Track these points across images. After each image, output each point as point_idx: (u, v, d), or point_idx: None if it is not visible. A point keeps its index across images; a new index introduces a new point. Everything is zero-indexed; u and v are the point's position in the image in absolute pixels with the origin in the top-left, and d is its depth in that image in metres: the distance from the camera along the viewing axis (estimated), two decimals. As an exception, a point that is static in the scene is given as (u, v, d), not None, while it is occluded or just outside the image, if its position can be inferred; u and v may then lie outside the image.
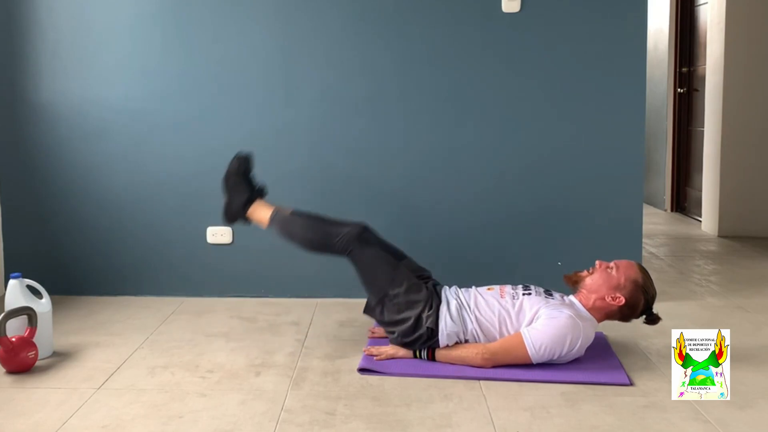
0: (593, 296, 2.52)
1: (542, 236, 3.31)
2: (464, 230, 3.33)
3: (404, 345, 2.53)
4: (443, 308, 2.50)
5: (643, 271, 2.55)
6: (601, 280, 2.52)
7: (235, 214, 2.79)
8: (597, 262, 2.59)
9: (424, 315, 2.49)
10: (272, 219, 2.72)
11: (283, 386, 2.34)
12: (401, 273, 2.57)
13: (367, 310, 2.62)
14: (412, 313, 2.50)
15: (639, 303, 2.51)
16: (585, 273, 2.59)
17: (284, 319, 3.07)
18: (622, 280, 2.50)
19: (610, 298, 2.49)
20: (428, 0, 3.22)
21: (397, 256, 2.70)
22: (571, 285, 2.61)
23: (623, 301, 2.48)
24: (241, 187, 2.76)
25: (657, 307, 2.59)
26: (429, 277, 2.71)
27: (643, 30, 3.24)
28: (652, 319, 2.56)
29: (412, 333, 2.49)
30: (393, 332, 2.53)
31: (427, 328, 2.47)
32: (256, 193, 2.80)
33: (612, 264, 2.56)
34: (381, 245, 2.69)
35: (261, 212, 2.75)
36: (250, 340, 2.80)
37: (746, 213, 4.82)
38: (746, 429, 2.03)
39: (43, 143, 3.36)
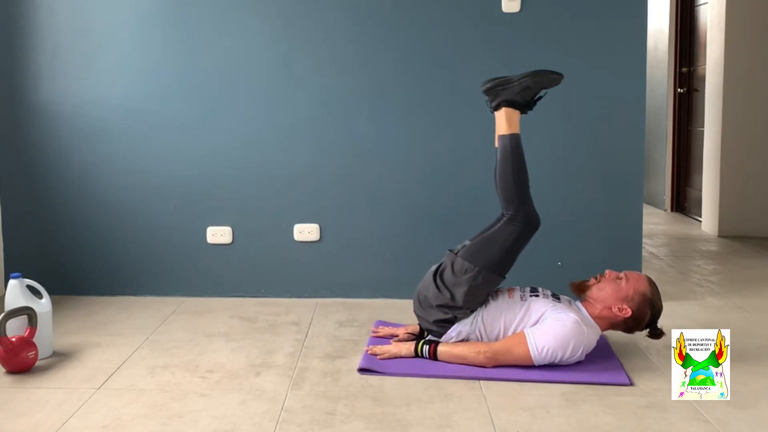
0: (600, 305, 2.50)
1: (542, 236, 3.29)
2: (464, 229, 3.31)
3: (425, 305, 2.53)
4: (471, 317, 2.51)
5: (653, 286, 2.53)
6: (609, 290, 2.50)
7: (497, 94, 2.59)
8: (606, 272, 2.57)
9: (463, 311, 2.49)
10: (514, 135, 2.57)
11: (283, 386, 2.34)
12: (496, 281, 2.52)
13: (452, 251, 2.57)
14: (461, 300, 2.47)
15: (645, 317, 2.50)
16: (592, 281, 2.56)
17: (284, 319, 3.07)
18: (631, 292, 2.48)
19: (617, 309, 2.48)
20: (428, 0, 3.22)
21: (509, 267, 2.59)
22: (577, 293, 2.58)
23: (630, 313, 2.47)
24: (529, 93, 2.58)
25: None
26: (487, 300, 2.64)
27: (643, 30, 3.24)
28: (656, 334, 2.53)
29: (445, 307, 2.49)
30: (439, 289, 2.50)
31: (454, 316, 2.49)
32: (528, 107, 2.63)
33: (622, 275, 2.53)
34: (521, 246, 2.56)
35: (513, 121, 2.58)
36: (250, 340, 2.80)
37: (746, 213, 4.82)
38: (746, 429, 2.03)
39: (43, 143, 3.36)
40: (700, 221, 5.22)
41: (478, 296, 2.50)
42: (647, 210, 5.78)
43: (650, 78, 5.34)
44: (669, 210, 5.97)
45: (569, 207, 3.29)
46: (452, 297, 2.49)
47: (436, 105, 3.27)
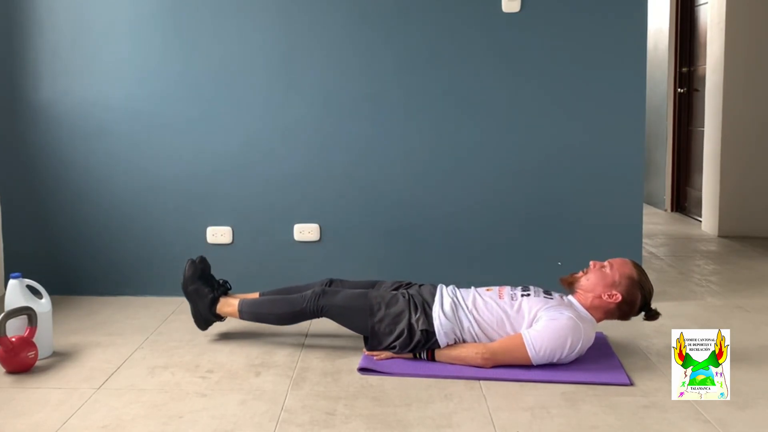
0: (590, 295, 2.52)
1: (542, 236, 3.31)
2: (464, 230, 3.33)
3: (409, 352, 2.54)
4: (436, 307, 2.52)
5: (638, 268, 2.56)
6: (596, 279, 2.52)
7: (206, 319, 2.77)
8: (591, 263, 2.60)
9: (413, 320, 2.50)
10: (240, 311, 2.71)
11: (283, 386, 2.34)
12: (374, 298, 2.58)
13: (368, 346, 2.60)
14: (402, 325, 2.51)
15: (636, 299, 2.51)
16: (580, 274, 2.60)
17: (284, 319, 3.07)
18: (617, 277, 2.50)
19: (606, 296, 2.49)
20: (428, 0, 3.22)
21: (367, 286, 2.74)
22: (567, 286, 2.61)
23: (620, 298, 2.49)
24: (202, 290, 2.74)
25: (657, 307, 2.59)
26: (409, 284, 2.74)
27: (643, 30, 3.24)
28: (651, 315, 2.55)
29: (410, 341, 2.50)
30: (395, 347, 2.53)
31: (422, 330, 2.48)
32: (219, 292, 2.77)
33: (606, 263, 2.57)
34: (348, 288, 2.70)
35: (229, 308, 2.73)
36: (250, 340, 2.80)
37: (746, 213, 4.82)
38: (746, 429, 2.03)
39: (44, 143, 3.36)
40: (700, 221, 5.22)
41: (395, 309, 2.53)
42: (647, 210, 5.78)
43: (650, 78, 5.33)
44: (669, 210, 5.97)
45: (569, 207, 3.29)
46: (401, 335, 2.50)
47: (435, 105, 3.27)
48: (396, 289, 2.70)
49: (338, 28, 3.26)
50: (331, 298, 2.61)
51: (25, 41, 3.32)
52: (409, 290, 2.65)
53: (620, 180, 3.27)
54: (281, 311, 2.67)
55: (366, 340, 2.62)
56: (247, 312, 2.71)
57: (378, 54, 3.26)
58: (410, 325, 2.50)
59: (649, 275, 2.61)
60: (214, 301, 2.74)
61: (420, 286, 2.70)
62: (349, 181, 3.32)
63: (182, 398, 2.25)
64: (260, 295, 2.81)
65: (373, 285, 2.77)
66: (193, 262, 2.78)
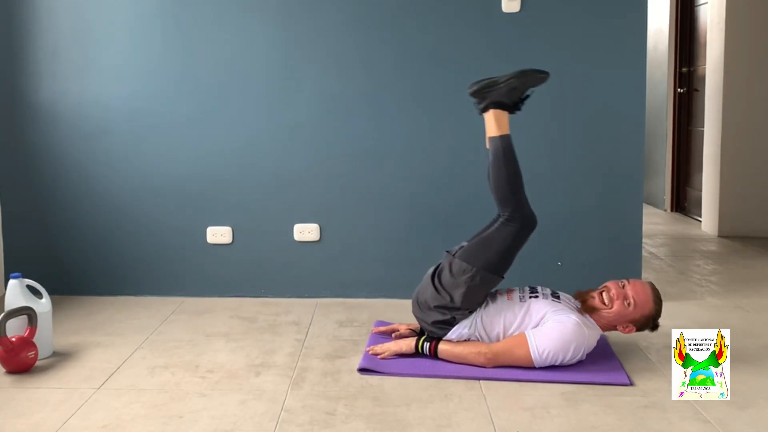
0: (605, 321, 2.51)
1: (542, 236, 3.30)
2: (464, 229, 3.31)
3: (423, 306, 2.52)
4: (471, 317, 2.51)
5: (657, 302, 2.52)
6: (617, 313, 2.48)
7: (484, 96, 2.57)
8: (613, 290, 2.50)
9: (461, 312, 2.49)
10: (504, 137, 2.55)
11: (283, 386, 2.34)
12: (494, 281, 2.52)
13: (450, 252, 2.56)
14: (458, 301, 2.47)
15: (645, 327, 2.54)
16: (598, 301, 2.50)
17: (284, 319, 3.07)
18: (638, 316, 2.49)
19: (621, 328, 2.51)
20: (428, 0, 3.22)
21: (507, 268, 2.57)
22: (584, 309, 2.53)
23: (634, 330, 2.52)
24: (516, 93, 2.56)
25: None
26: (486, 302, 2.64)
27: (643, 30, 3.24)
28: (652, 328, 2.56)
29: (444, 308, 2.49)
30: (437, 291, 2.50)
31: (453, 317, 2.49)
32: (516, 108, 2.61)
33: (630, 299, 2.48)
34: (519, 247, 2.56)
35: (502, 123, 2.56)
36: (250, 340, 2.80)
37: (746, 213, 4.82)
38: (746, 429, 2.03)
39: (43, 143, 3.36)
40: (700, 221, 5.22)
41: (477, 297, 2.50)
42: (647, 210, 5.78)
43: (650, 78, 5.34)
44: (669, 210, 5.97)
45: (569, 207, 3.29)
46: (451, 298, 2.49)
47: (436, 105, 3.27)
48: (488, 294, 2.58)
49: (338, 28, 3.26)
50: (517, 234, 2.48)
51: (25, 41, 3.32)
52: (483, 303, 2.56)
53: (620, 180, 3.28)
54: (512, 184, 2.53)
55: (457, 252, 2.54)
56: (502, 146, 2.55)
57: (378, 54, 3.26)
58: (458, 308, 2.47)
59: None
60: (503, 107, 2.55)
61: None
62: (349, 181, 3.32)
63: (182, 398, 2.25)
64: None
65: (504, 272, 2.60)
66: (545, 77, 2.58)
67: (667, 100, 5.92)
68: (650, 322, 2.51)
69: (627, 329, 2.51)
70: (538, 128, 3.27)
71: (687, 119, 5.78)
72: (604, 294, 2.52)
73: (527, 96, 2.62)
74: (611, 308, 2.49)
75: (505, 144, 2.55)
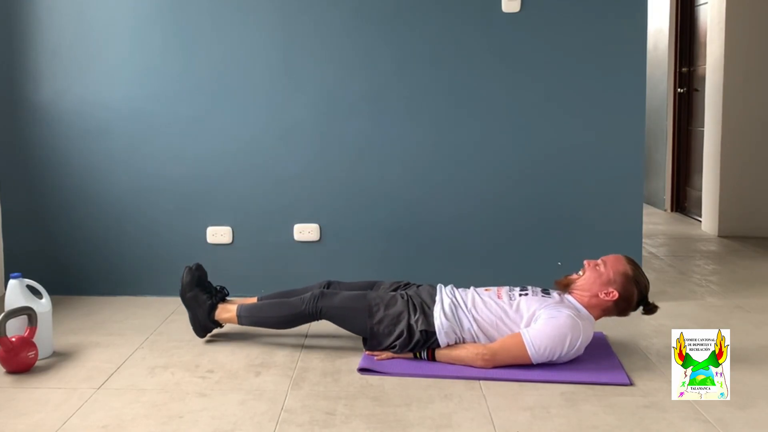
0: (587, 294, 2.52)
1: (542, 236, 3.31)
2: (464, 230, 3.33)
3: (410, 352, 2.54)
4: (437, 308, 2.52)
5: (632, 263, 2.56)
6: (591, 278, 2.52)
7: (205, 326, 2.75)
8: (585, 262, 2.60)
9: (412, 321, 2.51)
10: (239, 316, 2.71)
11: (283, 386, 2.34)
12: (373, 299, 2.59)
13: (366, 346, 2.60)
14: (402, 326, 2.51)
15: (632, 294, 2.52)
16: (575, 276, 2.59)
17: (284, 319, 3.07)
18: (612, 274, 2.51)
19: (603, 294, 2.50)
20: (428, 0, 3.22)
21: (365, 287, 2.73)
22: (562, 288, 2.60)
23: (617, 295, 2.49)
24: (200, 298, 2.73)
25: (656, 303, 2.59)
26: (407, 284, 2.74)
27: (643, 30, 3.24)
28: (650, 309, 2.56)
29: (410, 341, 2.51)
30: (395, 347, 2.53)
31: (421, 331, 2.49)
32: (217, 299, 2.76)
33: (600, 261, 2.57)
34: (346, 290, 2.71)
35: (228, 311, 2.73)
36: (250, 340, 2.80)
37: (746, 213, 4.82)
38: (746, 429, 2.03)
39: (43, 143, 3.36)
40: (700, 221, 5.22)
41: (393, 311, 2.53)
42: (647, 210, 5.78)
43: (650, 78, 5.34)
44: (669, 210, 5.97)
45: (569, 207, 3.29)
46: (400, 336, 2.50)
47: (435, 105, 3.27)
48: (395, 290, 2.70)
49: (338, 28, 3.26)
50: (329, 300, 2.61)
51: (25, 41, 3.32)
52: (407, 291, 2.65)
53: (620, 180, 3.28)
54: (280, 314, 2.67)
55: (365, 341, 2.62)
56: (245, 317, 2.71)
57: (378, 54, 3.26)
58: (410, 326, 2.50)
59: (649, 275, 2.61)
60: (213, 308, 2.73)
61: (418, 286, 2.70)
62: (349, 181, 3.32)
63: (182, 398, 2.25)
64: (258, 299, 2.81)
65: (371, 286, 2.77)
66: (190, 269, 2.77)
67: (667, 100, 5.92)
68: (632, 284, 2.50)
69: (610, 294, 2.48)
70: (537, 128, 3.27)
71: (687, 119, 5.78)
72: (581, 271, 2.59)
73: (208, 284, 2.80)
74: (583, 275, 2.55)
75: (246, 317, 2.70)
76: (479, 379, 2.37)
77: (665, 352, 2.58)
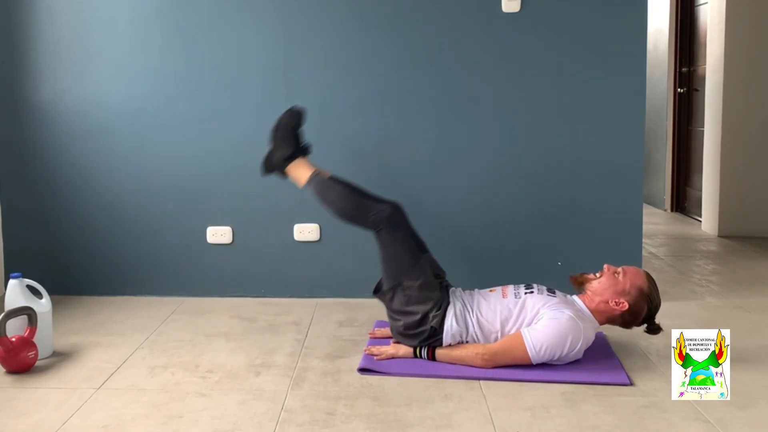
0: (597, 298, 2.51)
1: (542, 236, 3.31)
2: (464, 230, 3.33)
3: (405, 336, 2.54)
4: (450, 310, 2.51)
5: (650, 281, 2.54)
6: (607, 284, 2.51)
7: (274, 166, 2.76)
8: (605, 266, 2.57)
9: (431, 314, 2.49)
10: (310, 180, 2.69)
11: (283, 386, 2.34)
12: (420, 267, 2.56)
13: (378, 292, 2.61)
14: (420, 309, 2.50)
15: (642, 311, 2.50)
16: (592, 276, 2.57)
17: (284, 319, 3.07)
18: (628, 286, 2.49)
19: (613, 303, 2.48)
20: (428, 0, 3.22)
21: (421, 247, 2.69)
22: (576, 285, 2.59)
23: (627, 306, 2.47)
24: (288, 141, 2.72)
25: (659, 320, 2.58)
26: (443, 278, 2.70)
27: (643, 30, 3.24)
28: (654, 329, 2.54)
29: (416, 327, 2.50)
30: (398, 321, 2.53)
31: (431, 327, 2.48)
32: (301, 151, 2.75)
33: (620, 269, 2.54)
34: (409, 231, 2.66)
35: (301, 171, 2.72)
36: (250, 340, 2.80)
37: (746, 213, 4.82)
38: (746, 429, 2.03)
39: (44, 143, 3.36)
40: (700, 221, 5.22)
41: (425, 292, 2.52)
42: (647, 210, 5.78)
43: (650, 78, 5.34)
44: (669, 210, 5.97)
45: (569, 207, 3.29)
46: (408, 316, 2.51)
47: (435, 105, 3.27)
48: (436, 276, 2.63)
49: (338, 27, 3.26)
50: (393, 230, 2.58)
51: (25, 41, 3.32)
52: (443, 285, 2.61)
53: (620, 180, 3.27)
54: (346, 207, 2.64)
55: (377, 290, 2.61)
56: (314, 188, 2.68)
57: (378, 54, 3.26)
58: (426, 315, 2.49)
59: (649, 274, 2.61)
60: (291, 158, 2.72)
61: (447, 286, 2.65)
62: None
63: (182, 398, 2.25)
64: (331, 177, 2.73)
65: (424, 250, 2.70)
66: (294, 112, 2.76)
67: (667, 100, 5.92)
68: (644, 300, 2.48)
69: (620, 305, 2.47)
70: (537, 128, 3.27)
71: (687, 119, 5.78)
72: (598, 274, 2.57)
73: (300, 134, 2.79)
74: (600, 278, 2.53)
75: (314, 186, 2.70)
76: (479, 379, 2.37)
77: (665, 352, 2.57)
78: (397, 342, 2.64)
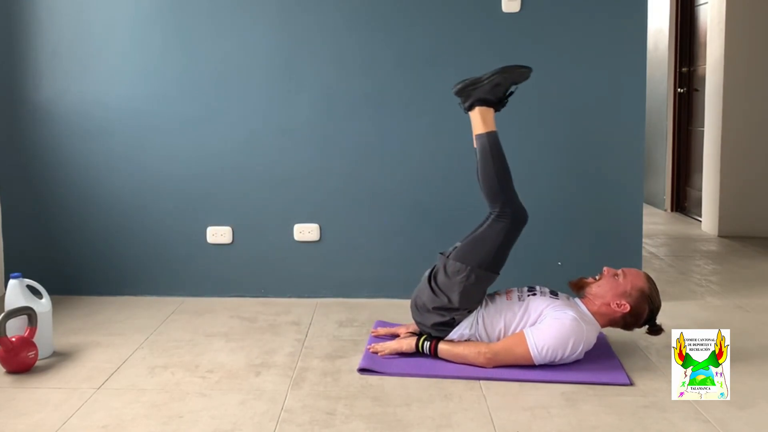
0: (598, 301, 2.51)
1: (542, 236, 3.31)
2: (464, 230, 3.32)
3: (425, 311, 2.52)
4: (471, 317, 2.51)
5: (650, 282, 2.54)
6: (607, 287, 2.51)
7: (469, 95, 2.60)
8: (604, 269, 2.57)
9: (461, 312, 2.49)
10: (490, 133, 2.57)
11: (283, 386, 2.34)
12: (491, 278, 2.52)
13: (444, 254, 2.57)
14: (457, 301, 2.46)
15: (643, 312, 2.51)
16: (591, 279, 2.57)
17: (284, 319, 3.07)
18: (629, 287, 2.49)
19: (615, 305, 2.48)
20: (428, 0, 3.22)
21: (502, 264, 2.59)
22: (576, 290, 2.59)
23: (628, 308, 2.48)
24: (500, 89, 2.60)
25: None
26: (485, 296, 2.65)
27: (643, 30, 3.24)
28: (655, 330, 2.54)
29: (442, 309, 2.48)
30: (440, 297, 2.49)
31: (452, 318, 2.48)
32: (501, 104, 2.65)
33: (620, 271, 2.54)
34: (512, 243, 2.58)
35: (487, 120, 2.58)
36: (250, 340, 2.80)
37: (746, 213, 4.82)
38: (746, 429, 2.03)
39: (43, 143, 3.36)
40: (700, 221, 5.22)
41: (474, 296, 2.50)
42: (647, 210, 5.78)
43: (650, 78, 5.34)
44: (669, 210, 5.97)
45: (569, 207, 3.29)
46: (448, 299, 2.49)
47: (435, 105, 3.27)
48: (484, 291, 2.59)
49: (339, 28, 3.26)
50: (509, 229, 2.50)
51: (25, 41, 3.32)
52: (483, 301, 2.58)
53: (620, 180, 3.28)
54: (503, 177, 2.54)
55: (450, 254, 2.56)
56: (488, 143, 2.56)
57: (378, 54, 3.26)
58: (456, 309, 2.47)
59: (648, 273, 2.61)
60: (488, 104, 2.59)
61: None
62: (349, 181, 3.32)
63: (182, 398, 2.25)
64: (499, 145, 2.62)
65: (501, 267, 2.61)
66: (527, 71, 2.64)
67: (667, 100, 5.93)
68: (645, 301, 2.48)
69: (621, 307, 2.47)
70: (537, 128, 3.27)
71: (687, 119, 5.78)
72: (598, 276, 2.57)
73: (512, 92, 2.66)
74: (600, 280, 2.53)
75: (492, 141, 2.57)
76: (479, 379, 2.37)
77: (665, 352, 2.57)
78: (400, 338, 2.63)
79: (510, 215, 2.52)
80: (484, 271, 2.49)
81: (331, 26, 3.26)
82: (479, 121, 2.60)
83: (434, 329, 2.52)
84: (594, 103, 3.24)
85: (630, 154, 3.27)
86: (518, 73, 2.62)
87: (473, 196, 3.28)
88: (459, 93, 2.64)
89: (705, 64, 5.15)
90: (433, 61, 3.25)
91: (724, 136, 4.81)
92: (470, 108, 2.63)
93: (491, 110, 2.61)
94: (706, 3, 5.19)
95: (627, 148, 3.26)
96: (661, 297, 2.56)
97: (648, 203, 6.12)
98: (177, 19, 3.29)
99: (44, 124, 3.35)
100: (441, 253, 2.61)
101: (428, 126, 3.28)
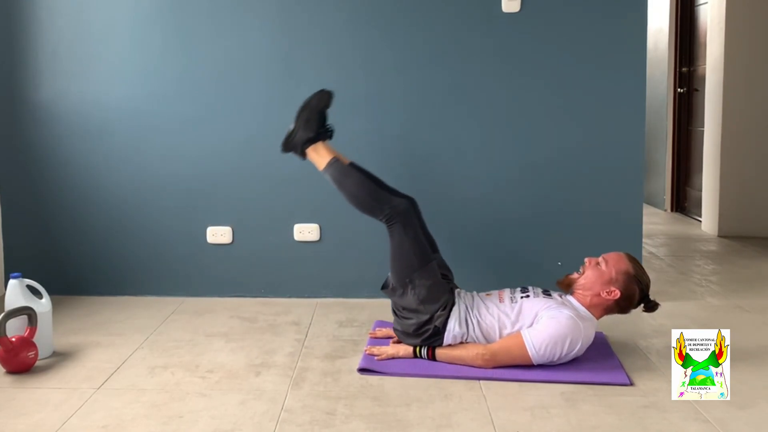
0: (588, 294, 2.52)
1: (542, 236, 3.31)
2: (464, 229, 3.33)
3: (408, 335, 2.54)
4: (454, 312, 2.51)
5: (633, 261, 2.56)
6: (593, 277, 2.52)
7: (293, 146, 2.75)
8: (586, 260, 2.59)
9: (437, 314, 2.50)
10: (330, 165, 2.68)
11: (283, 386, 2.34)
12: (432, 267, 2.57)
13: (386, 288, 2.61)
14: (429, 309, 2.50)
15: (634, 293, 2.51)
16: (576, 275, 2.59)
17: (284, 319, 3.07)
18: (614, 273, 2.50)
19: (605, 293, 2.49)
20: (428, 0, 3.22)
21: (432, 246, 2.70)
22: (564, 288, 2.60)
23: (618, 294, 2.49)
24: (312, 123, 2.71)
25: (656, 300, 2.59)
26: (451, 279, 2.71)
27: (643, 29, 3.24)
28: (651, 307, 2.55)
29: (423, 326, 2.50)
30: (408, 319, 2.53)
31: (435, 326, 2.49)
32: (323, 134, 2.75)
33: (600, 259, 2.56)
34: (422, 229, 2.67)
35: (321, 154, 2.71)
36: (250, 340, 2.80)
37: (746, 213, 4.82)
38: (746, 429, 2.03)
39: (43, 143, 3.36)
40: (700, 221, 5.22)
41: (435, 292, 2.52)
42: (647, 210, 5.78)
43: (650, 78, 5.34)
44: (669, 210, 5.97)
45: (569, 207, 3.29)
46: (419, 314, 2.51)
47: (435, 105, 3.27)
48: (443, 276, 2.64)
49: (339, 27, 3.26)
50: (406, 226, 2.58)
51: (25, 41, 3.32)
52: (450, 287, 2.62)
53: (620, 180, 3.28)
54: (363, 196, 2.63)
55: (385, 286, 2.62)
56: (333, 173, 2.67)
57: (378, 53, 3.26)
58: (433, 315, 2.50)
59: (649, 275, 2.61)
60: (312, 141, 2.72)
61: (453, 288, 2.66)
62: (349, 181, 3.32)
63: (182, 398, 2.25)
64: (350, 164, 2.73)
65: (435, 250, 2.72)
66: (324, 94, 2.75)
67: (667, 100, 5.92)
68: (633, 282, 2.49)
69: (611, 293, 2.48)
70: (537, 128, 3.27)
71: (687, 119, 5.78)
72: (581, 269, 2.59)
73: (326, 117, 2.78)
74: (584, 273, 2.54)
75: (335, 170, 2.69)
76: (479, 379, 2.37)
77: (665, 352, 2.58)
78: (398, 342, 2.64)
79: (396, 216, 2.59)
80: (421, 270, 2.54)
81: (330, 26, 3.26)
82: (316, 159, 2.74)
83: (428, 342, 2.52)
84: (594, 102, 3.24)
85: (630, 154, 3.27)
86: (317, 100, 2.75)
87: (472, 195, 3.30)
88: (286, 150, 2.79)
89: (705, 64, 5.15)
90: (433, 61, 3.25)
91: (724, 136, 4.81)
92: (303, 155, 2.76)
93: (320, 144, 2.73)
94: (706, 3, 5.19)
95: (627, 148, 3.26)
96: (662, 297, 2.57)
97: (648, 203, 6.12)
98: (177, 19, 3.29)
99: (44, 124, 3.35)
100: (383, 290, 2.65)
101: (428, 125, 3.28)
